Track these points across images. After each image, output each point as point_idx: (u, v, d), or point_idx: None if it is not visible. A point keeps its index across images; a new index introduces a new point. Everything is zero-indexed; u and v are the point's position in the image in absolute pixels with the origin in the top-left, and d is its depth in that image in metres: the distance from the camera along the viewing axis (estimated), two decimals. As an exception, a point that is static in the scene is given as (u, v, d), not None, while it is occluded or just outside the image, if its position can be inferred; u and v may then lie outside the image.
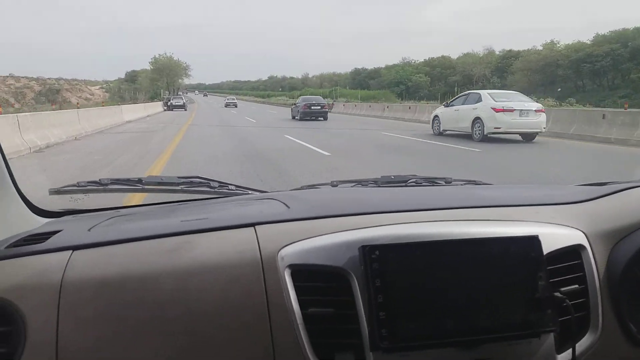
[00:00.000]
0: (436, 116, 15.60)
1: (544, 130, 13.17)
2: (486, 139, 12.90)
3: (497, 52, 53.74)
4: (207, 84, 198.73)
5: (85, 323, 0.86)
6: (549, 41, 47.56)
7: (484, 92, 14.31)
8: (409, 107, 26.94)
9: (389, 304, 0.90)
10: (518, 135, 13.30)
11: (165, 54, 73.21)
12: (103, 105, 25.97)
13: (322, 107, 24.90)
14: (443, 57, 62.63)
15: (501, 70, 49.77)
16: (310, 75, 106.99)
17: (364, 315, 0.92)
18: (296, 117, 25.02)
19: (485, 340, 0.93)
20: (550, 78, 42.22)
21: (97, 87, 75.29)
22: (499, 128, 12.81)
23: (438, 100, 38.27)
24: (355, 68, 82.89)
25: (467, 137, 13.62)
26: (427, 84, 56.41)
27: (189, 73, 79.58)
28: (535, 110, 13.02)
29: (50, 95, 53.11)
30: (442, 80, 55.98)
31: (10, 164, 1.15)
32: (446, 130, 14.77)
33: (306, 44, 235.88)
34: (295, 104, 26.90)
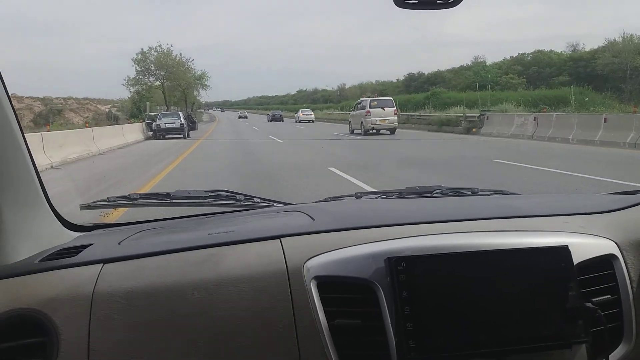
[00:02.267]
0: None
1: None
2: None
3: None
4: (233, 100, 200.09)
5: (115, 333, 0.93)
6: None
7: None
8: None
9: (416, 315, 0.94)
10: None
11: (161, 46, 50.24)
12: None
13: (280, 115, 54.63)
14: (540, 52, 43.22)
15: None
16: (347, 86, 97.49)
17: (391, 327, 0.95)
18: (268, 120, 52.02)
19: (515, 351, 0.96)
20: None
21: (109, 105, 64.70)
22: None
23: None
24: (410, 73, 64.52)
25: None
26: (524, 87, 43.21)
27: (206, 83, 57.13)
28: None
29: (52, 116, 47.84)
30: (543, 81, 44.44)
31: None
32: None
33: (339, 57, 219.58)
34: (268, 114, 57.38)
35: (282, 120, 51.11)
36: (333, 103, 78.13)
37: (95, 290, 0.97)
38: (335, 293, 0.98)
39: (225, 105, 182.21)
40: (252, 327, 0.94)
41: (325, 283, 0.99)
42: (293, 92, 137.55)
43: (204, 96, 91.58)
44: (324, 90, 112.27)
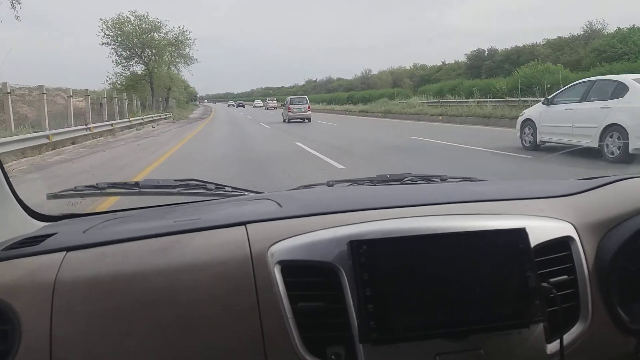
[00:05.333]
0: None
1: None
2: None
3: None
4: (235, 92, 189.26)
5: (78, 320, 0.97)
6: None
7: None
8: None
9: (378, 297, 1.00)
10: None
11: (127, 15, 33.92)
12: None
13: (243, 104, 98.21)
14: None
15: None
16: (372, 73, 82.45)
17: (353, 309, 1.02)
18: (235, 107, 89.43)
19: (475, 331, 1.03)
20: None
21: (82, 97, 28.92)
22: None
23: None
24: (478, 50, 44.18)
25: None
26: None
27: (189, 53, 33.38)
28: None
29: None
30: None
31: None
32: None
33: (350, 46, 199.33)
34: (234, 103, 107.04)
35: (244, 107, 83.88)
36: (357, 90, 65.99)
37: (58, 277, 1.00)
38: (299, 277, 1.04)
39: (228, 97, 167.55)
40: (215, 312, 1.00)
41: (289, 267, 1.04)
42: (301, 82, 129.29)
43: (186, 73, 68.27)
44: (339, 79, 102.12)
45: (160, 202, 1.58)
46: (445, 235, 1.06)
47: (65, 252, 1.05)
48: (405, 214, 1.14)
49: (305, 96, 29.83)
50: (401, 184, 1.62)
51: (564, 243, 1.15)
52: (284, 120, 26.91)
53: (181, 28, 40.83)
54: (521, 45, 47.81)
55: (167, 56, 38.09)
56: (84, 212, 1.59)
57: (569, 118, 9.34)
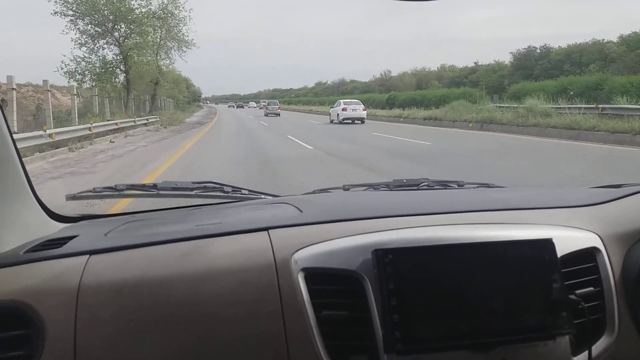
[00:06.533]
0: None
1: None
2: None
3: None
4: (242, 94, 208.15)
5: (102, 325, 0.99)
6: None
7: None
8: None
9: (403, 307, 1.02)
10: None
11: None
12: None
13: (242, 105, 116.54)
14: None
15: None
16: (393, 74, 76.07)
17: (377, 318, 1.04)
18: (235, 107, 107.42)
19: (500, 343, 1.05)
20: None
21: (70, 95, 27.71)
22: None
23: None
24: (530, 46, 38.91)
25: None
26: None
27: (183, 32, 23.26)
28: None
29: None
30: None
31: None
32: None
33: (359, 52, 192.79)
34: (233, 104, 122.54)
35: (243, 107, 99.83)
36: (372, 92, 61.66)
37: (82, 281, 1.01)
38: (322, 285, 1.06)
39: (234, 99, 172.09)
40: (240, 318, 1.01)
41: (313, 275, 1.06)
42: (311, 84, 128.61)
43: (179, 60, 61.77)
44: (354, 81, 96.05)
45: (176, 204, 1.63)
46: (471, 245, 1.08)
47: (88, 256, 1.07)
48: (428, 222, 1.16)
49: (277, 100, 54.91)
50: (418, 189, 1.63)
51: (589, 254, 1.16)
52: (265, 115, 45.66)
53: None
54: (581, 42, 41.00)
55: (153, 36, 27.28)
56: (102, 214, 1.62)
57: (334, 112, 31.24)
